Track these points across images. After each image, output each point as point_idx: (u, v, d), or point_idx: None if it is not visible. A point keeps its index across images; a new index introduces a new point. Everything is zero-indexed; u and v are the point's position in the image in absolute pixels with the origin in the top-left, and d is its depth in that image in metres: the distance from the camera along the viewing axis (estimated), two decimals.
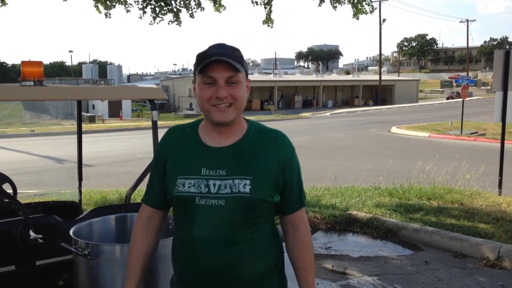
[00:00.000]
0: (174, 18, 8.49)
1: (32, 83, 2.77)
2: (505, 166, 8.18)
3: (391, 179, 8.43)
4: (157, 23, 8.50)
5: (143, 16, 8.45)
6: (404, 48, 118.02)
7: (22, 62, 2.88)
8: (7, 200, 3.25)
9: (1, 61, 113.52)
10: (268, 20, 8.98)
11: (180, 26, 8.84)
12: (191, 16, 8.75)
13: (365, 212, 6.64)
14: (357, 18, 8.84)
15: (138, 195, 7.52)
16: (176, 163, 1.75)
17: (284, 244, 1.88)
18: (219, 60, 1.64)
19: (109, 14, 8.42)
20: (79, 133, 3.85)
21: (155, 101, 2.98)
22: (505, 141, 8.11)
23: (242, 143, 1.74)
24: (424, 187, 7.89)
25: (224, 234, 1.66)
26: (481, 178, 8.01)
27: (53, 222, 2.79)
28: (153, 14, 8.47)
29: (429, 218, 6.30)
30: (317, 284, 1.81)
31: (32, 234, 2.55)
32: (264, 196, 1.69)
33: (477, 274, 4.77)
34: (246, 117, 1.86)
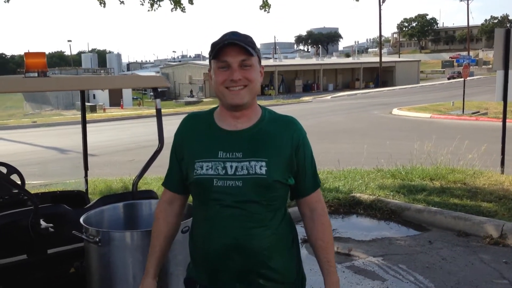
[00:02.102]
0: (176, 5, 8.44)
1: (36, 75, 2.79)
2: (507, 144, 8.21)
3: (393, 160, 8.46)
4: (155, 10, 8.46)
5: (144, 2, 8.42)
6: (404, 29, 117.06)
7: (25, 53, 2.91)
8: (16, 191, 3.31)
9: (0, 52, 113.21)
10: (265, 5, 8.94)
11: (184, 12, 8.79)
12: (190, 2, 8.71)
13: (368, 194, 6.68)
14: (357, 0, 8.79)
15: (143, 183, 7.56)
16: (194, 148, 1.80)
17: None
18: (232, 43, 1.70)
19: (103, 2, 8.38)
20: (84, 122, 3.88)
21: (158, 89, 3.00)
22: (506, 120, 8.12)
23: (257, 127, 1.80)
24: (426, 167, 7.93)
25: (240, 213, 1.72)
26: (483, 157, 8.03)
27: (62, 211, 2.83)
28: (151, 1, 8.43)
29: (432, 198, 6.34)
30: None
31: (43, 223, 2.60)
32: (279, 177, 1.75)
33: (481, 252, 4.83)
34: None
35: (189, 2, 8.55)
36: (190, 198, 1.95)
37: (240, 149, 1.75)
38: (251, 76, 1.75)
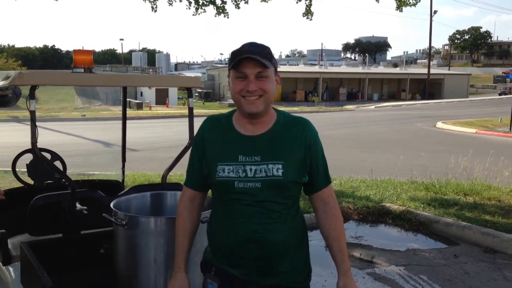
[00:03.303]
0: (220, 11, 8.72)
1: (82, 70, 3.05)
2: None
3: (429, 173, 8.39)
4: (199, 14, 8.74)
5: (190, 7, 8.74)
6: (456, 41, 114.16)
7: (74, 51, 3.16)
8: (58, 176, 3.59)
9: (56, 47, 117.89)
10: (308, 13, 9.05)
11: (228, 18, 9.04)
12: (237, 7, 8.95)
13: (399, 204, 6.70)
14: (401, 10, 8.79)
15: (173, 176, 7.83)
16: (215, 151, 1.95)
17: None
18: (249, 58, 1.84)
19: (155, 6, 8.76)
20: (124, 117, 4.14)
21: (192, 89, 3.20)
22: None
23: (273, 131, 1.95)
24: (462, 182, 7.84)
25: (258, 211, 1.88)
26: None
27: (97, 196, 3.08)
28: (196, 5, 8.73)
29: (464, 213, 6.29)
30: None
31: (78, 205, 2.84)
32: (295, 177, 1.91)
33: (506, 269, 4.79)
34: (281, 108, 2.07)
35: (235, 7, 8.81)
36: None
37: (259, 153, 1.90)
38: (266, 87, 1.89)
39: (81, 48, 3.43)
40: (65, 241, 2.90)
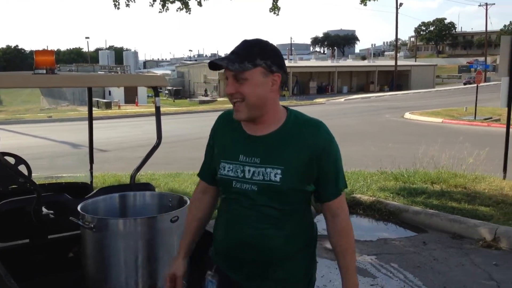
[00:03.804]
0: (183, 6, 8.65)
1: (44, 71, 2.98)
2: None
3: (398, 164, 8.54)
4: (165, 11, 8.65)
5: (153, 3, 8.64)
6: (421, 32, 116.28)
7: (35, 51, 3.09)
8: (22, 180, 3.52)
9: (20, 47, 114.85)
10: (275, 8, 9.07)
11: (189, 13, 8.98)
12: (199, 4, 8.90)
13: (369, 195, 6.80)
14: (365, 4, 8.91)
15: (144, 176, 7.73)
16: (221, 147, 1.92)
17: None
18: (212, 64, 1.79)
19: (118, 3, 8.63)
20: (90, 117, 4.08)
21: (158, 88, 3.18)
22: (511, 126, 8.15)
23: (278, 133, 1.83)
24: (429, 171, 8.02)
25: (255, 215, 1.81)
26: (488, 162, 8.11)
27: (64, 199, 3.03)
28: (162, 2, 8.64)
29: (431, 201, 6.44)
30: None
31: (44, 210, 2.79)
32: (295, 185, 1.79)
33: (473, 254, 4.93)
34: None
35: (198, 4, 8.76)
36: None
37: (259, 155, 1.80)
38: (243, 90, 1.76)
39: (45, 48, 3.36)
40: (32, 247, 2.85)
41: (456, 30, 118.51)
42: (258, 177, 1.78)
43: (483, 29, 78.57)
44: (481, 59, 64.99)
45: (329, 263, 4.63)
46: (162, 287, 2.42)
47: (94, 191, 3.21)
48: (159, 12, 8.63)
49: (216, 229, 1.99)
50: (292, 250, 1.86)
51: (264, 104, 1.80)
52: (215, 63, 1.78)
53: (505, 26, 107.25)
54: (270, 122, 1.83)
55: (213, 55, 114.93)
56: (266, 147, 1.81)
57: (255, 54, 1.75)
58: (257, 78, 1.76)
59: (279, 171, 1.76)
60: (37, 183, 3.08)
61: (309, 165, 1.79)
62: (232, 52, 1.77)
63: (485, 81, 54.64)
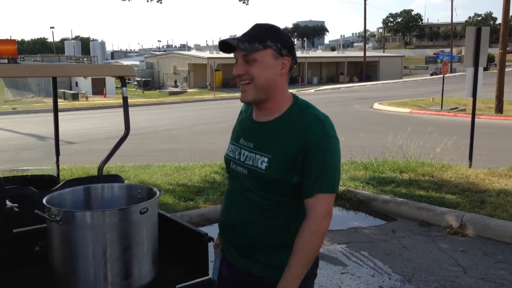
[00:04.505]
0: None
1: (6, 61, 2.88)
2: (479, 140, 8.45)
3: (368, 153, 8.67)
4: (129, 0, 8.48)
5: None
6: (389, 24, 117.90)
7: None
8: None
9: None
10: None
11: (161, 3, 8.83)
12: None
13: (340, 185, 6.82)
14: None
15: (113, 168, 7.60)
16: (233, 129, 2.00)
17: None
18: (224, 41, 1.78)
19: None
20: (55, 108, 3.96)
21: (125, 78, 3.10)
22: (480, 116, 8.39)
23: (276, 122, 1.82)
24: (398, 160, 8.16)
25: (242, 200, 1.87)
26: (455, 151, 8.30)
27: (28, 193, 2.93)
28: None
29: (400, 190, 6.56)
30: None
31: (8, 203, 2.70)
32: (279, 176, 1.75)
33: (440, 241, 5.05)
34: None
35: None
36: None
37: (253, 140, 1.85)
38: (252, 71, 1.75)
39: (9, 38, 3.24)
40: None
41: (423, 22, 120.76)
42: (248, 162, 1.83)
43: (449, 20, 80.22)
44: (447, 50, 66.51)
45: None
46: (131, 279, 2.38)
47: (61, 184, 3.12)
48: (122, 0, 8.42)
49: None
50: (280, 240, 1.82)
51: (272, 88, 1.80)
52: (226, 42, 1.78)
53: (470, 17, 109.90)
54: (273, 109, 1.83)
55: (183, 45, 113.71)
56: (262, 133, 1.83)
57: (266, 36, 1.76)
58: (267, 60, 1.76)
59: (266, 159, 1.77)
60: (0, 176, 2.98)
61: (295, 158, 1.74)
62: (244, 34, 1.78)
63: (451, 72, 55.93)
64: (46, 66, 3.09)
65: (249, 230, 1.85)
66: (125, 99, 3.14)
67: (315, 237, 1.73)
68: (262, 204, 1.82)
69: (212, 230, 5.18)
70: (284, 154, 1.75)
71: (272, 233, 1.83)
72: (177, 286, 2.52)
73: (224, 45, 1.79)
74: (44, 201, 2.42)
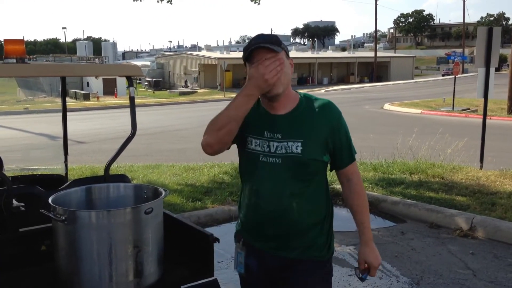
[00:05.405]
0: None
1: (14, 61, 2.89)
2: (490, 141, 8.35)
3: (378, 154, 8.61)
4: (141, 0, 8.52)
5: None
6: (400, 24, 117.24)
7: (5, 40, 3.00)
8: None
9: None
10: None
11: (171, 3, 8.86)
12: None
13: None
14: None
15: (122, 168, 7.62)
16: (246, 123, 2.05)
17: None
18: (258, 47, 1.97)
19: None
20: (64, 108, 3.98)
21: (132, 78, 3.10)
22: (492, 117, 8.29)
23: (295, 112, 2.06)
24: (408, 161, 8.09)
25: (280, 186, 2.01)
26: (467, 153, 8.21)
27: (35, 192, 2.94)
28: None
29: (409, 191, 6.50)
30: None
31: (14, 202, 2.71)
32: (314, 155, 2.01)
33: (450, 243, 4.99)
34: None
35: None
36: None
37: (280, 131, 2.03)
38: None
39: (22, 38, 3.25)
40: (3, 240, 2.76)
41: (435, 22, 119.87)
42: (281, 151, 2.00)
43: (461, 20, 79.54)
44: (459, 50, 65.76)
45: None
46: (136, 279, 2.38)
47: (67, 183, 3.13)
48: (134, 0, 8.45)
49: (240, 206, 2.20)
50: (313, 221, 2.07)
51: (288, 83, 2.05)
52: (260, 46, 1.96)
53: (482, 18, 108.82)
54: (286, 102, 2.06)
55: (193, 46, 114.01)
56: (286, 124, 2.03)
57: (277, 41, 2.03)
58: (285, 60, 2.01)
59: (299, 144, 1.99)
60: (9, 175, 2.99)
61: (325, 139, 2.03)
62: (264, 40, 1.99)
63: (462, 73, 55.43)
64: (53, 66, 3.10)
65: (288, 217, 2.03)
66: (132, 99, 3.14)
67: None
68: (298, 187, 2.01)
69: (220, 231, 5.21)
70: (315, 136, 2.02)
71: (305, 217, 2.05)
72: (182, 287, 2.51)
73: (252, 51, 1.98)
74: (50, 200, 2.43)
